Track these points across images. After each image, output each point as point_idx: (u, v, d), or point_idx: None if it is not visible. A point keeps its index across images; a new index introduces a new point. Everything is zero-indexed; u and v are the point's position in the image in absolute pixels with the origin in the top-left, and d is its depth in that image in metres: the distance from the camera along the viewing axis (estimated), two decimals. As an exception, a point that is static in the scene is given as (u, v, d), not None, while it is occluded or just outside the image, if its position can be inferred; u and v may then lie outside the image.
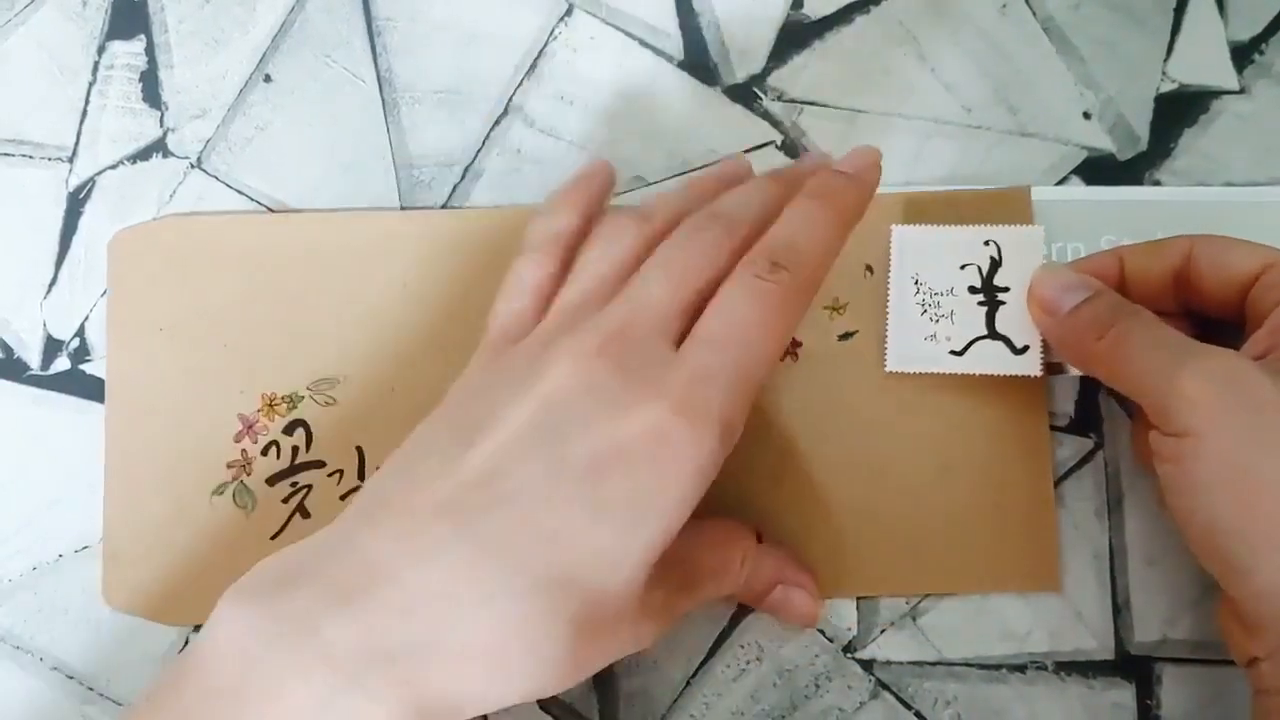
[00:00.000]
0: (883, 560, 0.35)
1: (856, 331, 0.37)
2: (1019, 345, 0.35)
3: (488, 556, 0.27)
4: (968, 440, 0.36)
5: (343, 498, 0.36)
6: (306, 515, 0.36)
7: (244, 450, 0.37)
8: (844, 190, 0.31)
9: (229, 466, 0.37)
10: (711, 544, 0.33)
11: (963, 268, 0.36)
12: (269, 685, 0.26)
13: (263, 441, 0.37)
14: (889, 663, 0.35)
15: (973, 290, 0.36)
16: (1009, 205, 0.37)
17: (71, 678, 0.36)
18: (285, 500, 0.36)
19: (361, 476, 0.36)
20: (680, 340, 0.29)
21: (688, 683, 0.35)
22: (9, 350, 0.38)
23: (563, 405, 0.28)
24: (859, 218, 0.32)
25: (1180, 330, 0.33)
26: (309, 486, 0.36)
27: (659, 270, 0.30)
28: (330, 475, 0.36)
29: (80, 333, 0.38)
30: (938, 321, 0.36)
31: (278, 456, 0.37)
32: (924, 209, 0.37)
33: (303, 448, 0.37)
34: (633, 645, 0.30)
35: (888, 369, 0.36)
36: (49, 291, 0.38)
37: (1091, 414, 0.36)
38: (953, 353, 0.35)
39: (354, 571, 0.27)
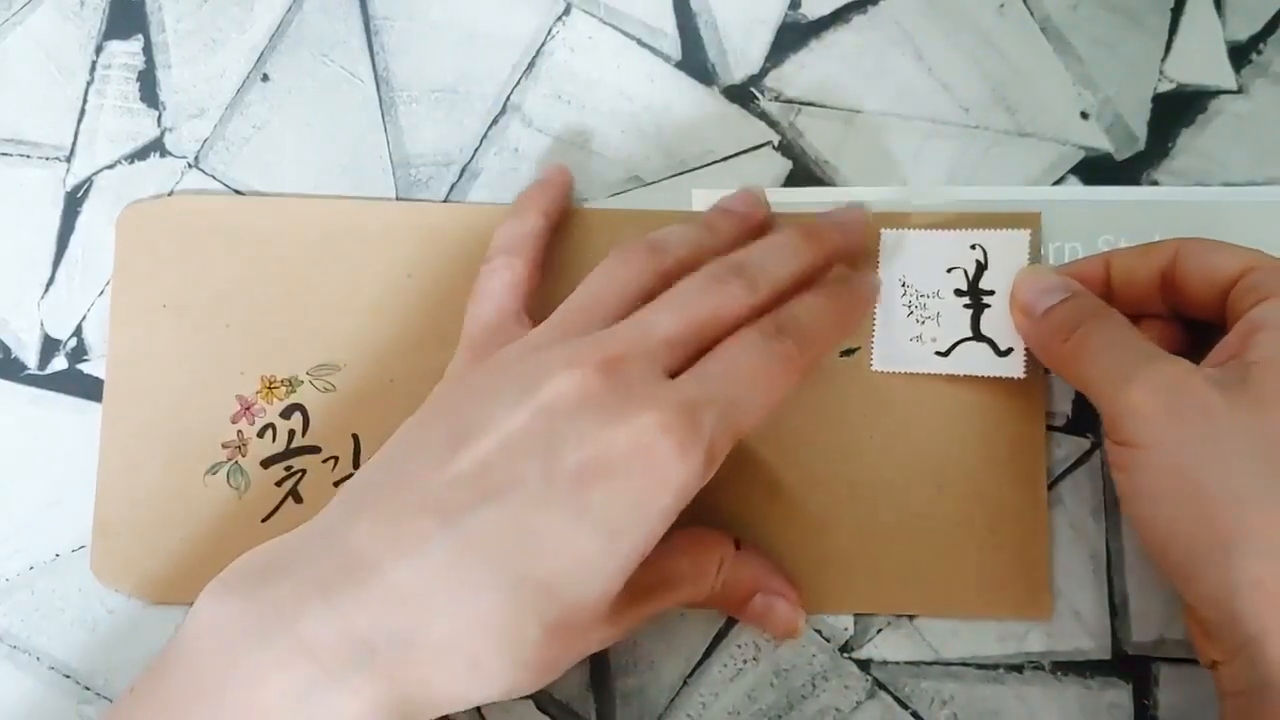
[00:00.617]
0: (874, 578, 0.35)
1: (858, 349, 0.36)
2: (1003, 347, 0.35)
3: (470, 554, 0.27)
4: (965, 461, 0.36)
5: (336, 484, 0.36)
6: (299, 500, 0.36)
7: (240, 431, 0.37)
8: (852, 300, 0.34)
9: (224, 447, 0.37)
10: (686, 549, 0.33)
11: (949, 271, 0.36)
12: (249, 678, 0.27)
13: (260, 424, 0.37)
14: (886, 662, 0.35)
15: (959, 293, 0.36)
16: (1019, 226, 0.37)
17: (68, 677, 0.36)
18: (279, 484, 0.36)
19: (356, 464, 0.36)
20: (675, 376, 0.30)
21: (684, 682, 0.35)
22: (6, 350, 0.38)
23: (558, 414, 0.28)
24: (859, 324, 0.35)
25: (1169, 334, 0.33)
26: (303, 471, 0.36)
27: (672, 308, 0.31)
28: (325, 461, 0.37)
29: (78, 332, 0.38)
30: (924, 323, 0.36)
31: (274, 439, 0.37)
32: (934, 224, 0.37)
33: (299, 432, 0.37)
34: (598, 646, 0.30)
35: (873, 368, 0.36)
36: (46, 291, 0.38)
37: (1089, 414, 0.36)
38: (938, 354, 0.36)
39: (335, 564, 0.28)
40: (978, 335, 0.36)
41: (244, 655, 0.27)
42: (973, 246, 0.36)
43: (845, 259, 0.35)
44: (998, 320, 0.35)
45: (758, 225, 0.36)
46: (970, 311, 0.36)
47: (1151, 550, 0.30)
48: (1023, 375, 0.35)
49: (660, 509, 0.28)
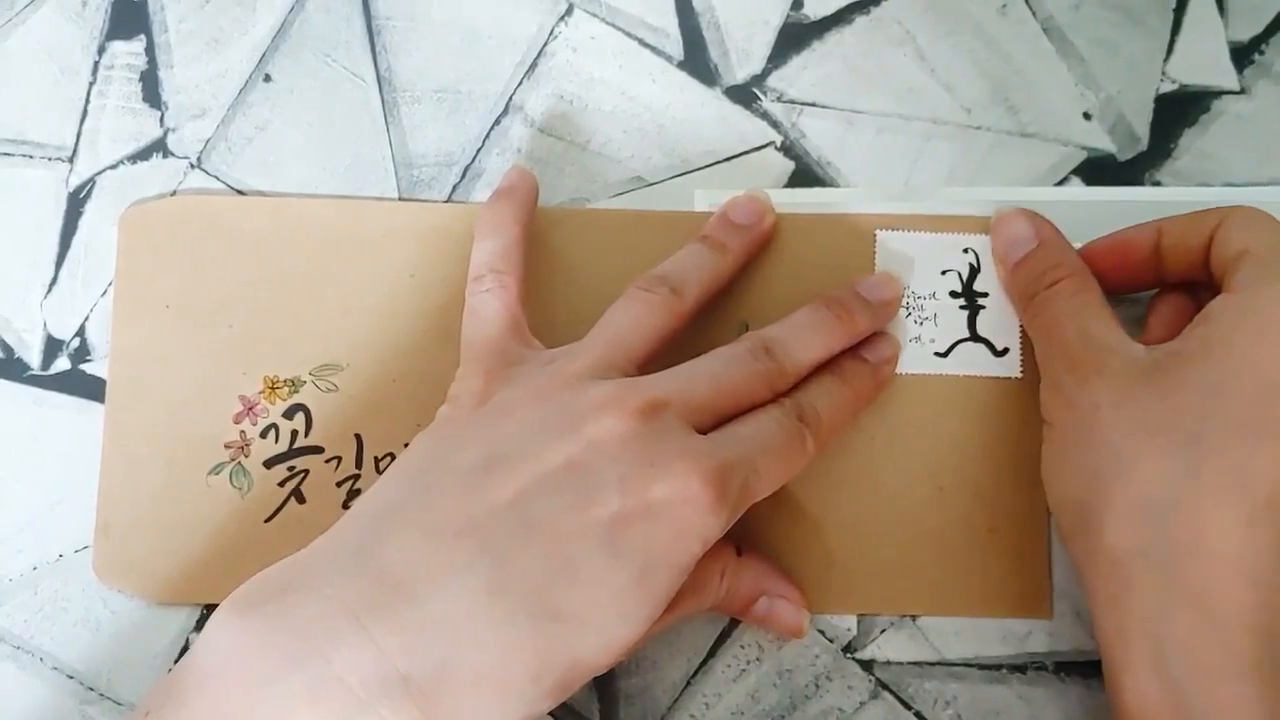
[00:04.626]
0: (875, 579, 0.35)
1: None
2: (999, 348, 0.36)
3: (508, 583, 0.28)
4: (965, 462, 0.36)
5: (339, 484, 0.36)
6: (302, 500, 0.36)
7: (243, 431, 0.37)
8: (868, 383, 0.35)
9: (227, 447, 0.37)
10: None
11: (944, 273, 0.37)
12: (278, 710, 0.26)
13: (262, 424, 0.37)
14: (889, 663, 0.35)
15: (954, 295, 0.36)
16: None
17: (72, 677, 0.36)
18: (281, 484, 0.36)
19: (359, 465, 0.36)
20: (701, 425, 0.31)
21: (688, 683, 0.35)
22: (9, 350, 0.38)
23: (601, 453, 0.29)
24: (873, 401, 0.36)
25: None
26: (306, 471, 0.36)
27: (711, 379, 0.32)
28: (328, 461, 0.36)
29: (81, 333, 0.38)
30: (921, 324, 0.36)
31: (276, 440, 0.37)
32: (930, 227, 0.37)
33: (302, 432, 0.37)
34: (606, 667, 0.30)
35: None
36: (49, 291, 0.38)
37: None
38: (937, 354, 0.36)
39: (366, 586, 0.27)
40: (974, 336, 0.36)
41: (272, 684, 0.26)
42: (965, 250, 0.36)
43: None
44: (993, 321, 0.36)
45: (764, 234, 0.36)
46: (966, 313, 0.36)
47: (1052, 510, 0.33)
48: (1019, 375, 0.36)
49: (690, 556, 0.29)
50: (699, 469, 0.29)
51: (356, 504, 0.30)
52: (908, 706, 0.35)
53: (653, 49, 0.39)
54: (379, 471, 0.36)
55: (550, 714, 0.35)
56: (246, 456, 0.37)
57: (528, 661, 0.28)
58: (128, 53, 0.40)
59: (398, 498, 0.30)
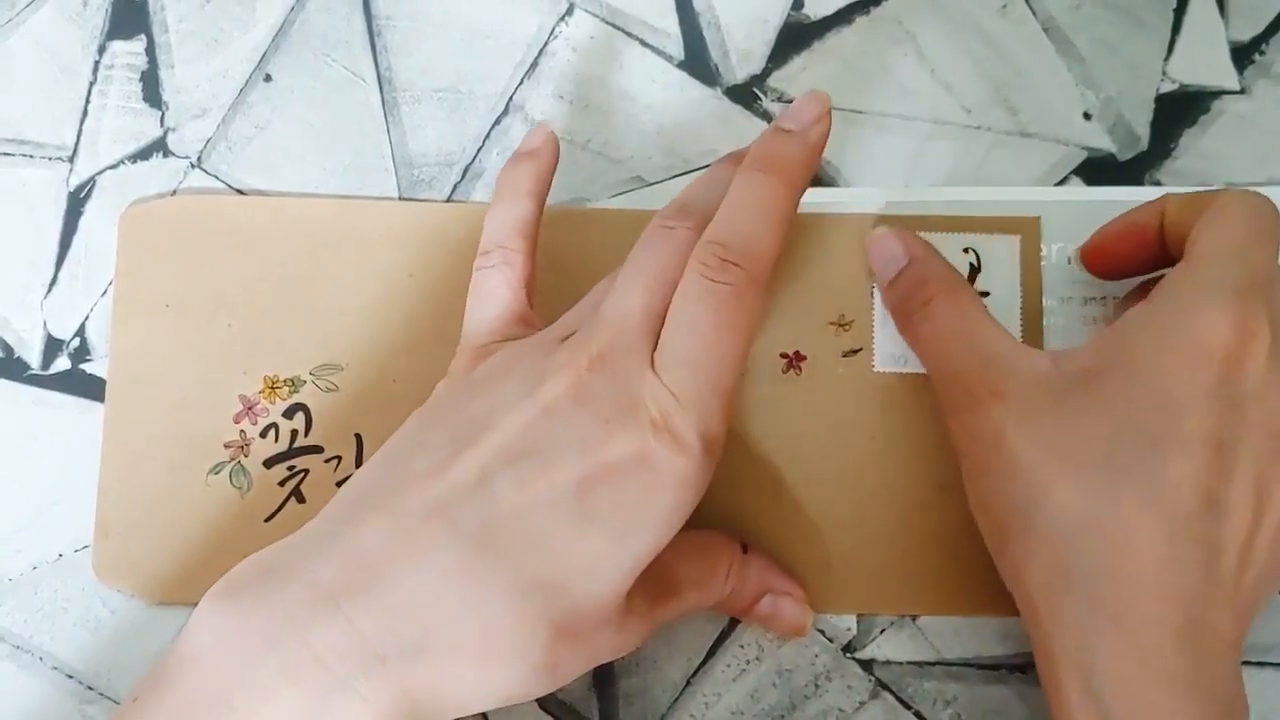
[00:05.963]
0: (876, 579, 0.35)
1: (861, 349, 0.37)
2: None
3: (478, 559, 0.27)
4: None
5: (339, 484, 0.36)
6: (302, 500, 0.36)
7: (243, 431, 0.37)
8: (788, 154, 0.31)
9: (227, 446, 0.37)
10: (695, 554, 0.33)
11: None
12: (258, 690, 0.26)
13: (262, 423, 0.37)
14: (888, 662, 0.35)
15: None
16: (1019, 231, 0.37)
17: (71, 677, 0.36)
18: (281, 483, 0.36)
19: (359, 464, 0.36)
20: (657, 340, 0.29)
21: (688, 682, 0.35)
22: (9, 350, 0.38)
23: (557, 418, 0.28)
24: (809, 179, 0.31)
25: None
26: (305, 471, 0.36)
27: (633, 277, 0.30)
28: (328, 461, 0.37)
29: (81, 332, 0.38)
30: None
31: (276, 439, 0.37)
32: (932, 227, 0.37)
33: (302, 432, 0.37)
34: (610, 653, 0.30)
35: (875, 369, 0.36)
36: (49, 291, 0.38)
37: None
38: None
39: (341, 570, 0.27)
40: None
41: (252, 667, 0.26)
42: (965, 250, 0.36)
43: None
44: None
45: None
46: None
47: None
48: None
49: (667, 508, 0.28)
50: (648, 423, 0.28)
51: (342, 489, 0.30)
52: (907, 706, 0.35)
53: (653, 49, 0.39)
54: (379, 471, 0.36)
55: (550, 714, 0.35)
56: (246, 456, 0.37)
57: (506, 636, 0.27)
58: (128, 52, 0.40)
59: (375, 480, 0.30)
